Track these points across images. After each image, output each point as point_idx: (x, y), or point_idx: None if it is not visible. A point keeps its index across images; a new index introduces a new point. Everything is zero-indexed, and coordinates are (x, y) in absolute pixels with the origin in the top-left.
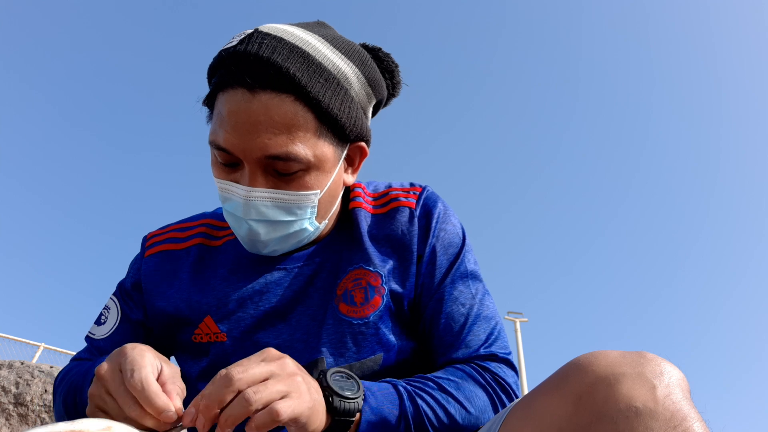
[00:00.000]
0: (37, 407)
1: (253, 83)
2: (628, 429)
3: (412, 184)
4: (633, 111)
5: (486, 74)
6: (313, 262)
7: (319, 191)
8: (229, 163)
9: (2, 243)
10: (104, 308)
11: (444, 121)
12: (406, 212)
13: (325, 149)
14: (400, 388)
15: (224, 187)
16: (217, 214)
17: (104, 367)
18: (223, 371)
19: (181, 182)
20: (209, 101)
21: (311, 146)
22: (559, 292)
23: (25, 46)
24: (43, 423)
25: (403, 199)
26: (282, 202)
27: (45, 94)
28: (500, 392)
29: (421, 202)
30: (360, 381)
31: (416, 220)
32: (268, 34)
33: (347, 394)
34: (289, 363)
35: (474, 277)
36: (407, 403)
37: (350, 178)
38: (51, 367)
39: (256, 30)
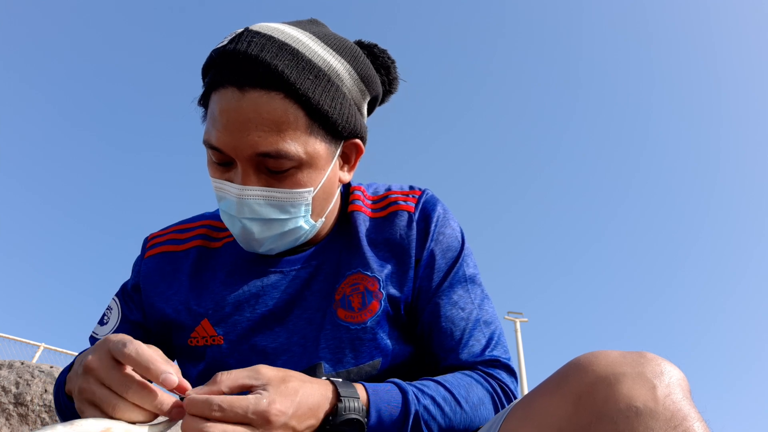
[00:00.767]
0: (37, 407)
1: (243, 82)
2: (629, 429)
3: (411, 187)
4: (633, 111)
5: (486, 74)
6: (310, 265)
7: (312, 189)
8: (222, 162)
9: (2, 243)
10: (107, 308)
11: (443, 121)
12: (405, 216)
13: (317, 146)
14: (411, 408)
15: (219, 186)
16: (217, 215)
17: (91, 358)
18: (208, 401)
19: (181, 182)
20: (204, 101)
21: (302, 143)
22: (559, 292)
23: (25, 46)
24: (43, 423)
25: (402, 202)
26: (275, 200)
27: (45, 94)
28: (504, 400)
29: (420, 206)
30: (366, 419)
31: (415, 224)
32: (257, 33)
33: None
34: (275, 419)
35: (473, 281)
36: (411, 422)
37: (346, 176)
38: (51, 367)
39: (246, 29)
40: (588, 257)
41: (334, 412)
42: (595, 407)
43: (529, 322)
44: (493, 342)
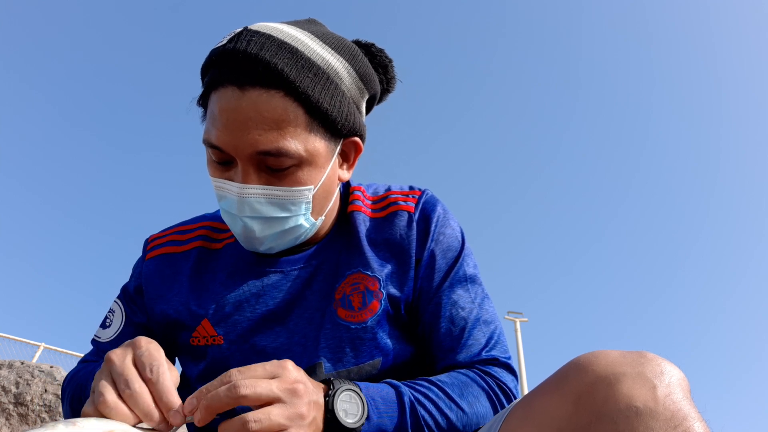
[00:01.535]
0: (37, 407)
1: (243, 80)
2: (629, 429)
3: (411, 188)
4: (633, 111)
5: (486, 74)
6: (310, 265)
7: (312, 186)
8: (222, 161)
9: (2, 243)
10: (109, 311)
11: (443, 121)
12: (405, 216)
13: (317, 144)
14: (405, 399)
15: (219, 185)
16: (218, 216)
17: (116, 351)
18: (231, 376)
19: (181, 182)
20: (203, 101)
21: (302, 141)
22: (559, 292)
23: (25, 46)
24: (43, 423)
25: (402, 203)
26: (275, 198)
27: (45, 94)
28: (502, 398)
29: (420, 206)
30: (365, 399)
31: (415, 224)
32: (256, 32)
33: (349, 421)
34: (300, 389)
35: (473, 281)
36: (408, 417)
37: (346, 174)
38: (51, 367)
39: (245, 28)
40: (588, 257)
41: (329, 395)
42: (595, 407)
43: (529, 322)
44: (493, 341)
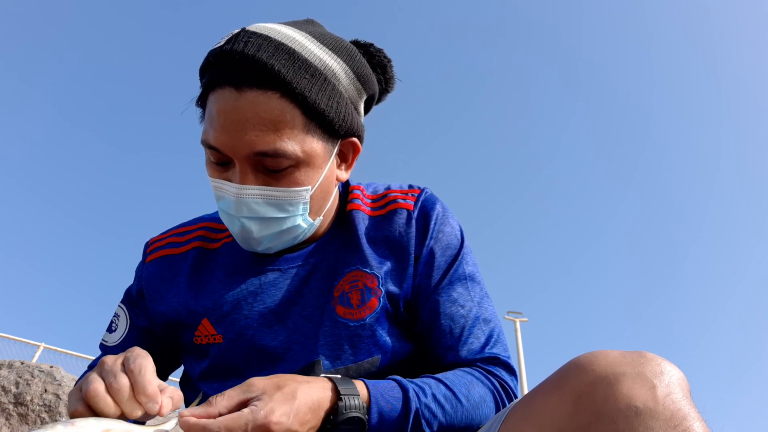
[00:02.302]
0: (37, 407)
1: (240, 81)
2: (628, 428)
3: (410, 186)
4: (632, 111)
5: (486, 74)
6: (308, 263)
7: (310, 187)
8: (221, 162)
9: (2, 243)
10: (114, 315)
11: (443, 121)
12: (404, 214)
13: (315, 145)
14: (411, 406)
15: (217, 185)
16: (216, 217)
17: (110, 356)
18: (207, 427)
19: (181, 182)
20: (201, 102)
21: (300, 142)
22: (559, 292)
23: (25, 46)
24: (43, 422)
25: (401, 201)
26: (273, 198)
27: (45, 94)
28: (504, 397)
29: (419, 204)
30: (366, 416)
31: (414, 222)
32: (254, 33)
33: None
34: (277, 428)
35: (473, 279)
36: (411, 421)
37: (344, 174)
38: (51, 367)
39: (243, 29)
40: (588, 257)
41: (334, 410)
42: (595, 407)
43: (529, 322)
44: (493, 339)
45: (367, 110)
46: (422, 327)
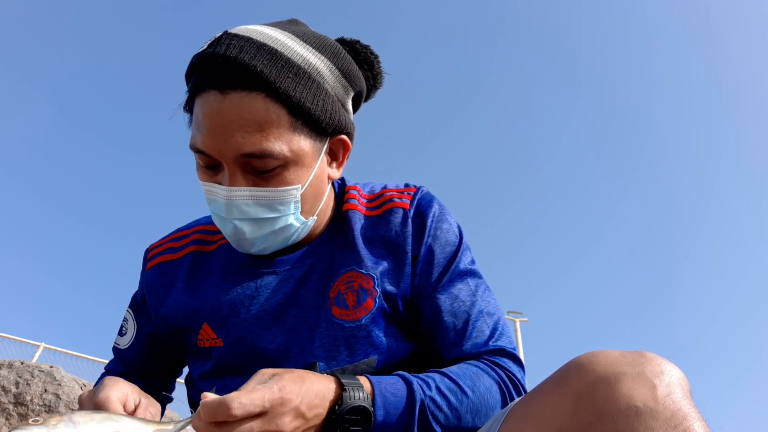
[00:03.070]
0: (37, 407)
1: (224, 84)
2: (629, 428)
3: (407, 185)
4: (632, 111)
5: (485, 74)
6: (304, 264)
7: (300, 186)
8: (210, 166)
9: (2, 243)
10: (123, 320)
11: (443, 121)
12: (400, 213)
13: (302, 144)
14: (416, 398)
15: (208, 189)
16: (211, 220)
17: (84, 393)
18: (225, 402)
19: (181, 182)
20: (188, 106)
21: (286, 141)
22: (559, 292)
23: (25, 46)
24: None
25: (397, 200)
26: (263, 199)
27: (45, 94)
28: (512, 389)
29: (415, 202)
30: (372, 407)
31: (410, 220)
32: (235, 35)
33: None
34: (289, 401)
35: (473, 274)
36: (417, 415)
37: (335, 173)
38: (51, 367)
39: (225, 32)
40: (588, 257)
41: (339, 401)
42: (596, 407)
43: (529, 322)
44: (498, 332)
45: (356, 107)
46: (425, 326)
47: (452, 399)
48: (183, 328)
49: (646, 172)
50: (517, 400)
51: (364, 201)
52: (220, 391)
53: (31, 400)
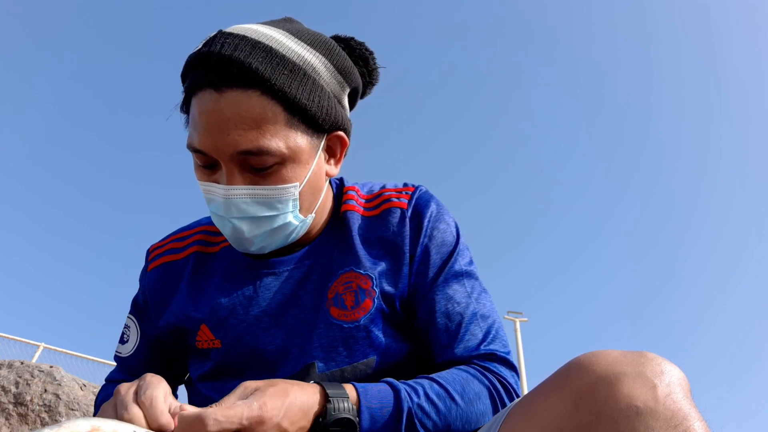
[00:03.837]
0: (37, 407)
1: (219, 82)
2: (629, 428)
3: (405, 185)
4: (632, 111)
5: (485, 74)
6: (303, 265)
7: (298, 183)
8: (207, 165)
9: (2, 243)
10: (125, 327)
11: (442, 120)
12: (398, 213)
13: (299, 140)
14: (404, 406)
15: (206, 188)
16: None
17: (124, 384)
18: (201, 417)
19: (182, 182)
20: (185, 107)
21: (283, 138)
22: (559, 292)
23: (25, 46)
24: (42, 423)
25: (395, 199)
26: (261, 197)
27: (45, 94)
28: (503, 394)
29: (413, 202)
30: (357, 418)
31: (407, 220)
32: (230, 34)
33: None
34: (269, 419)
35: (469, 275)
36: (404, 422)
37: (333, 170)
38: (51, 367)
39: (219, 31)
40: (588, 257)
41: (323, 413)
42: (596, 407)
43: (529, 322)
44: (491, 336)
45: (352, 104)
46: (419, 326)
47: (441, 406)
48: (183, 329)
49: (647, 172)
50: (516, 400)
51: (363, 201)
52: (219, 393)
53: (31, 400)
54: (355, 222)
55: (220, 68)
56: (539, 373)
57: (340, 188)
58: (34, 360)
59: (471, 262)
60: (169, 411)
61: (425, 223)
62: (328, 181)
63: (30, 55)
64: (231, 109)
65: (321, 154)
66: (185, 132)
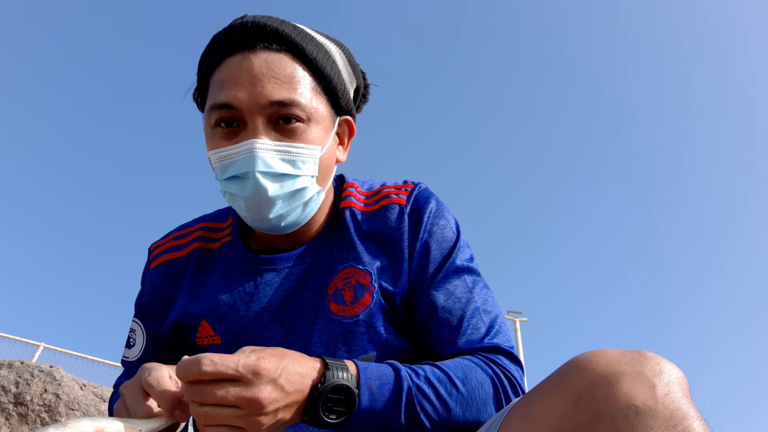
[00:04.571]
0: (37, 407)
1: (252, 44)
2: (628, 428)
3: (405, 182)
4: (632, 110)
5: (490, 74)
6: (304, 262)
7: (320, 147)
8: (231, 122)
9: (2, 243)
10: (130, 330)
11: (443, 120)
12: (396, 209)
13: (322, 108)
14: (404, 385)
15: (225, 154)
16: (215, 216)
17: (125, 384)
18: (197, 358)
19: (182, 182)
20: (200, 92)
21: (311, 99)
22: (559, 292)
23: (25, 45)
24: (42, 423)
25: (394, 196)
26: (287, 154)
27: (45, 94)
28: (507, 386)
29: (412, 198)
30: (357, 392)
31: (406, 216)
32: (255, 16)
33: (331, 418)
34: (265, 372)
35: (470, 271)
36: (404, 403)
37: (342, 156)
38: (51, 367)
39: (244, 15)
40: (588, 256)
41: (322, 380)
42: (595, 406)
43: (529, 322)
44: (494, 330)
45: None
46: (419, 322)
47: (441, 390)
48: (185, 326)
49: (647, 173)
50: (516, 400)
51: (362, 198)
52: None
53: (31, 400)
54: (354, 218)
55: (253, 32)
56: (539, 372)
57: (339, 184)
58: (34, 360)
59: (472, 259)
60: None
61: (425, 219)
62: (335, 167)
63: (30, 54)
64: (264, 65)
65: (334, 135)
66: (184, 133)
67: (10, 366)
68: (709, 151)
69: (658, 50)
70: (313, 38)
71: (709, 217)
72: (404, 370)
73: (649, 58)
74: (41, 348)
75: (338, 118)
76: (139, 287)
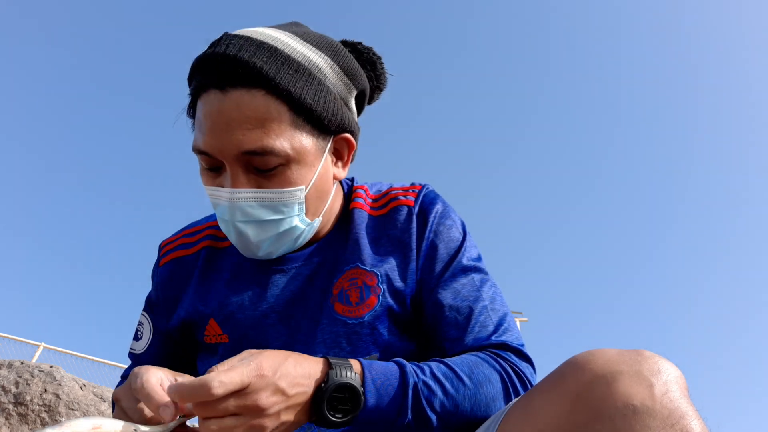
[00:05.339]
0: (37, 407)
1: (223, 83)
2: (626, 427)
3: (412, 183)
4: (632, 110)
5: (494, 73)
6: (311, 263)
7: (304, 186)
8: (212, 167)
9: (2, 243)
10: (138, 324)
11: (444, 121)
12: (405, 210)
13: (305, 141)
14: (409, 380)
15: (211, 193)
16: None
17: (117, 391)
18: (205, 382)
19: (182, 182)
20: (191, 110)
21: (288, 139)
22: (559, 292)
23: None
24: (42, 423)
25: (401, 198)
26: (266, 201)
27: (45, 94)
28: (516, 381)
29: (420, 200)
30: (362, 390)
31: (414, 217)
32: (235, 35)
33: (338, 417)
34: (264, 397)
35: (478, 270)
36: (410, 398)
37: (341, 172)
38: (51, 367)
39: (225, 34)
40: (588, 256)
41: (326, 379)
42: (593, 405)
43: (529, 322)
44: (502, 328)
45: (360, 108)
46: (427, 322)
47: (448, 385)
48: (193, 324)
49: (647, 173)
50: (515, 400)
51: (371, 200)
52: None
53: (31, 400)
54: (363, 220)
55: (224, 68)
56: (539, 372)
57: (350, 187)
58: (34, 360)
59: (479, 258)
60: (169, 392)
61: (431, 219)
62: (337, 183)
63: (30, 54)
64: (235, 108)
65: (328, 157)
66: (186, 137)
67: (10, 366)
68: (708, 152)
69: (669, 56)
70: (293, 62)
71: (708, 217)
72: (409, 366)
73: (652, 60)
74: (41, 348)
75: (331, 137)
76: (145, 285)
